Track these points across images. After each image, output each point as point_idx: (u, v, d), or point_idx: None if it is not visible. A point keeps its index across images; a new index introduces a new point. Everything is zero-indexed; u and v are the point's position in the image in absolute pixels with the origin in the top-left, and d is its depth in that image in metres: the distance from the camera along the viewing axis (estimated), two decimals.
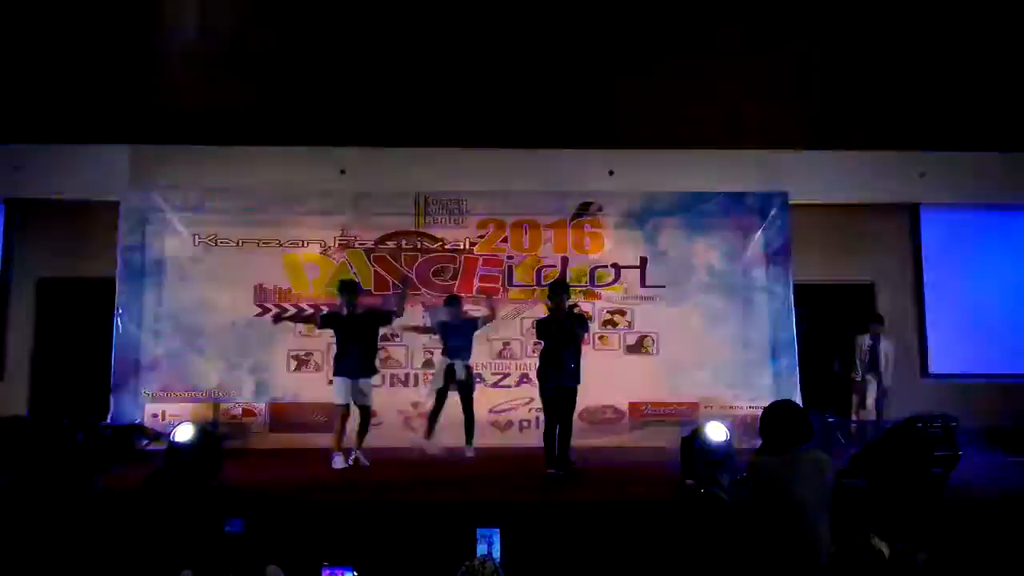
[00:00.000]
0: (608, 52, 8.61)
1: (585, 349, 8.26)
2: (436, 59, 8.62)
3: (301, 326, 8.52)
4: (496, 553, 3.62)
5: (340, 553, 3.49)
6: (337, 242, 8.81)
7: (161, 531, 4.05)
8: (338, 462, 6.81)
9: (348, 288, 7.17)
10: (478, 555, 3.47)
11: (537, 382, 6.63)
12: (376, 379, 7.34)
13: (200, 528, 4.05)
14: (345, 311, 7.06)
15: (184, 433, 4.35)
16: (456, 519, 4.58)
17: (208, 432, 5.28)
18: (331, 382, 7.15)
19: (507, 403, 8.47)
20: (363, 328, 7.06)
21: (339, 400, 6.99)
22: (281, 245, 8.75)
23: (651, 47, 8.55)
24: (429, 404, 7.68)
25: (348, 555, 3.44)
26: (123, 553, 3.94)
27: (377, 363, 7.33)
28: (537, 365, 6.62)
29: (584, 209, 8.94)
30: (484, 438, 7.74)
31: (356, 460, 6.91)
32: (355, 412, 6.98)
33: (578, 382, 6.55)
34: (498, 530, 3.56)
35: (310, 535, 4.34)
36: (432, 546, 4.24)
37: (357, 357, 6.97)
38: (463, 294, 8.38)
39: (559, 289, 6.61)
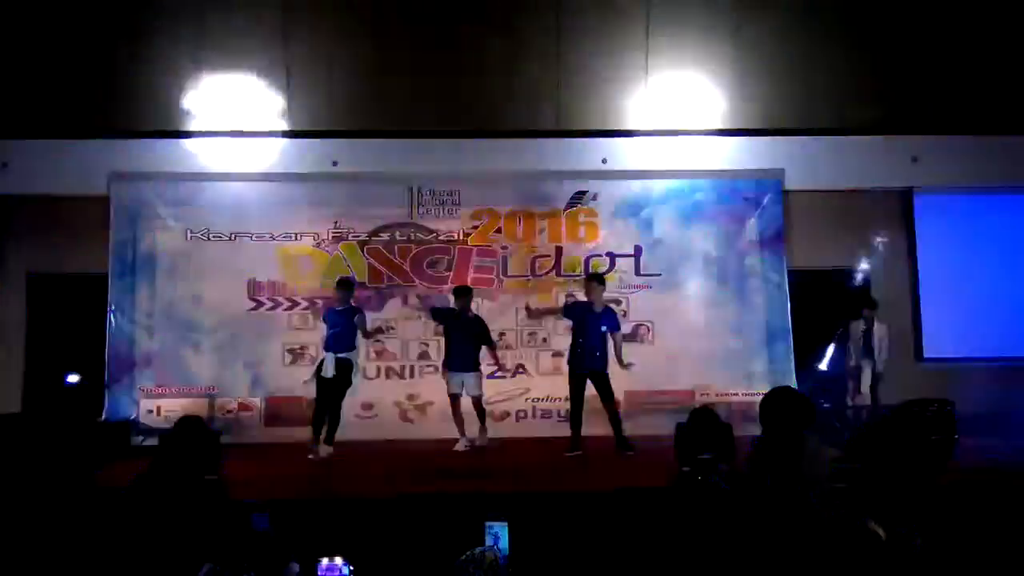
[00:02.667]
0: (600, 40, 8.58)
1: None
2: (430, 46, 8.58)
3: (296, 319, 8.54)
4: (504, 546, 3.60)
5: (336, 547, 3.48)
6: (330, 234, 8.77)
7: (166, 525, 4.03)
8: (461, 445, 7.26)
9: (464, 292, 7.59)
10: (485, 546, 3.46)
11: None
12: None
13: (212, 522, 4.02)
14: (459, 312, 7.44)
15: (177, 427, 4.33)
16: (451, 511, 4.58)
17: (202, 426, 5.24)
18: None
19: (502, 394, 8.46)
20: (471, 331, 7.42)
21: (453, 390, 7.43)
22: (274, 238, 8.70)
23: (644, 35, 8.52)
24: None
25: (344, 549, 3.43)
26: (128, 549, 3.92)
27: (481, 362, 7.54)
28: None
29: (578, 198, 8.92)
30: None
31: (471, 444, 7.36)
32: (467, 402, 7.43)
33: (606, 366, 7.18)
34: (506, 524, 3.54)
35: (306, 529, 4.33)
36: (428, 539, 4.23)
37: (460, 355, 7.38)
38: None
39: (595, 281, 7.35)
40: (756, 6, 8.63)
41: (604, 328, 7.16)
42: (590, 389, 7.13)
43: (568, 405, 7.37)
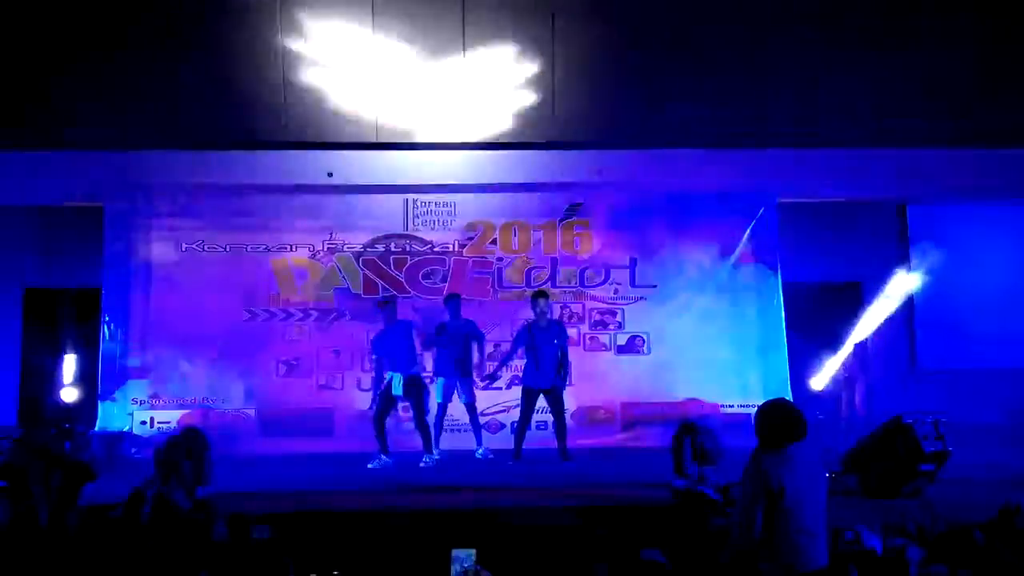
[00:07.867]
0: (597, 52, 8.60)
1: (576, 350, 8.43)
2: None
3: (292, 331, 8.53)
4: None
5: (331, 561, 3.47)
6: (326, 246, 8.78)
7: (163, 537, 4.01)
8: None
9: (451, 298, 7.79)
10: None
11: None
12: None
13: (202, 534, 4.01)
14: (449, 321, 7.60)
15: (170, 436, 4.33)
16: (445, 523, 4.56)
17: (194, 435, 5.23)
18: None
19: (498, 405, 8.45)
20: (460, 333, 7.57)
21: (438, 399, 7.68)
22: (269, 250, 8.70)
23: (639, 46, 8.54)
24: None
25: (338, 563, 3.42)
26: (125, 561, 3.90)
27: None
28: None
29: (573, 210, 8.94)
30: (474, 442, 7.71)
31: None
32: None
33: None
34: (474, 551, 3.53)
35: (300, 543, 4.31)
36: (419, 554, 4.21)
37: (450, 360, 7.52)
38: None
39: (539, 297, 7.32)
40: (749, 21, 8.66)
41: (556, 342, 7.23)
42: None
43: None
